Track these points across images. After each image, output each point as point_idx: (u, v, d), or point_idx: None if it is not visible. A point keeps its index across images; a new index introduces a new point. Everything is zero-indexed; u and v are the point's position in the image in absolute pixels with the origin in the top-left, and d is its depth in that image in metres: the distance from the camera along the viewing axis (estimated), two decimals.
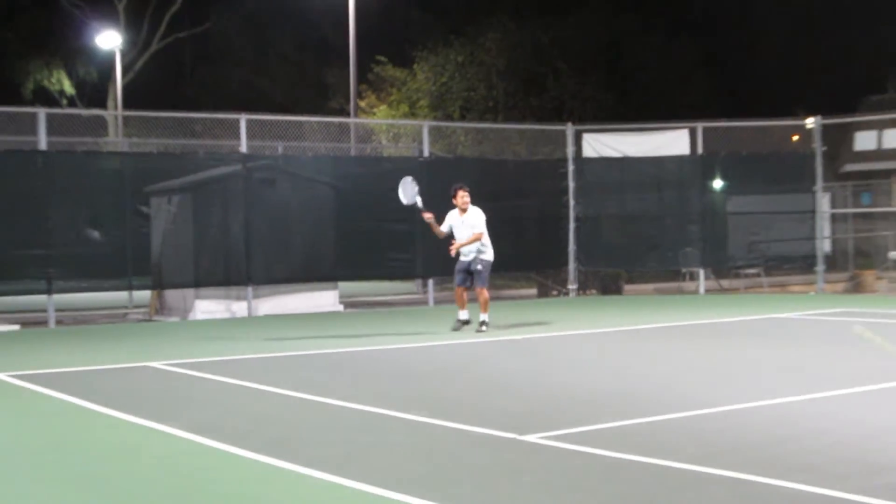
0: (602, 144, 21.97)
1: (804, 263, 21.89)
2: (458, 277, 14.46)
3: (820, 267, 21.33)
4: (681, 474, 6.04)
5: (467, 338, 13.70)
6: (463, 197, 14.28)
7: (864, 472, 6.05)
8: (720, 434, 7.19)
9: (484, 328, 14.17)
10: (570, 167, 21.62)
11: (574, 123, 22.81)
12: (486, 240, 14.27)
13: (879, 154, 39.34)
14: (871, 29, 41.21)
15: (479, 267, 14.21)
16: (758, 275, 22.77)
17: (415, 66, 34.14)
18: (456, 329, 14.29)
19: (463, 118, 32.32)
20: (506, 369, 11.07)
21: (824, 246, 21.74)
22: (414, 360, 11.99)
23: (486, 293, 14.32)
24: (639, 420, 7.70)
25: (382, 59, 34.90)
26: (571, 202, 21.46)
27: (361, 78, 32.95)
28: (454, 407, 8.44)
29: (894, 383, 9.23)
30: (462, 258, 14.34)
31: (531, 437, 7.07)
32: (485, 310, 14.28)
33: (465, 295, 14.42)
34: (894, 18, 40.10)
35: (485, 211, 14.45)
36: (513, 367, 11.30)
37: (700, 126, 21.66)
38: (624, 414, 7.93)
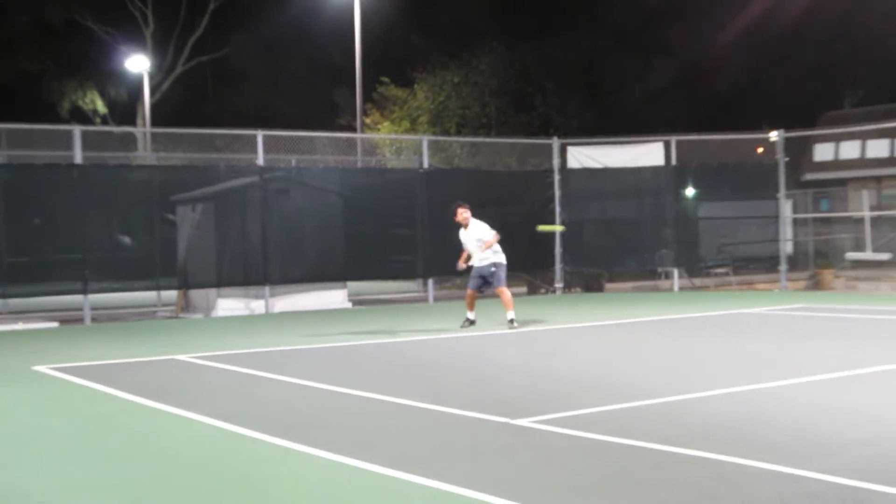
0: (584, 156, 22.00)
1: (768, 263, 21.92)
2: (473, 282, 14.14)
3: (783, 266, 21.35)
4: (658, 454, 6.05)
5: (464, 332, 13.70)
6: (462, 213, 14.06)
7: (823, 452, 6.06)
8: (693, 418, 7.20)
9: (515, 325, 13.87)
10: (556, 177, 21.64)
11: (559, 137, 22.82)
12: (497, 245, 14.07)
13: (836, 164, 39.38)
14: (829, 51, 41.22)
15: (494, 269, 14.02)
16: (727, 274, 22.78)
17: (415, 86, 34.13)
18: (463, 327, 14.05)
19: (459, 133, 32.30)
20: (498, 360, 11.07)
21: (787, 248, 21.76)
22: (415, 352, 11.99)
23: (507, 293, 14.05)
24: (619, 405, 7.71)
25: (386, 80, 34.88)
26: (557, 208, 21.47)
27: (367, 97, 32.95)
28: (452, 394, 8.44)
29: (850, 372, 9.24)
30: (477, 266, 14.07)
31: (522, 421, 7.07)
32: (510, 307, 13.99)
33: (476, 298, 14.30)
34: (849, 42, 40.08)
35: (479, 217, 14.38)
36: (505, 358, 11.30)
37: (673, 139, 21.70)
38: (606, 400, 7.94)
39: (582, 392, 8.49)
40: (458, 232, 14.26)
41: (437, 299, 20.09)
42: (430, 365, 10.84)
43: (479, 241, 13.98)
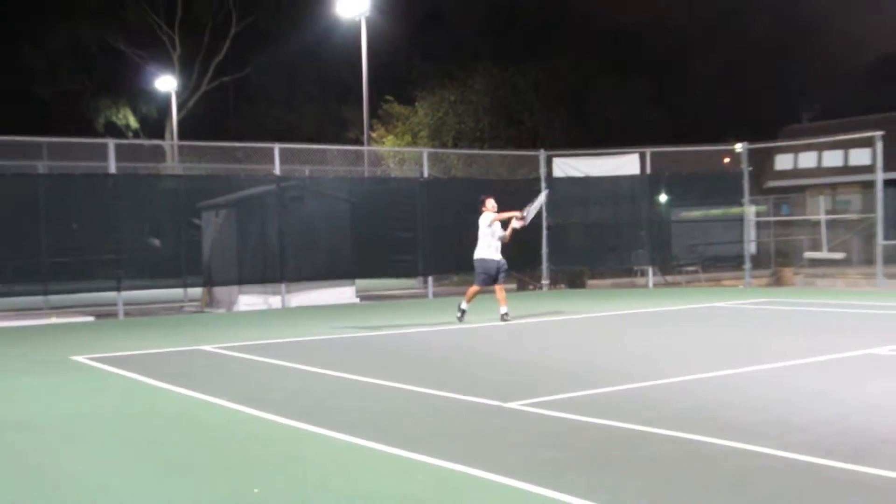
0: (568, 166, 21.99)
1: (734, 262, 21.92)
2: (484, 278, 13.77)
3: (747, 265, 21.35)
4: (637, 434, 6.04)
5: (460, 324, 13.67)
6: (490, 203, 14.00)
7: (785, 431, 6.06)
8: (669, 401, 7.19)
9: (507, 318, 13.72)
10: (543, 185, 21.62)
11: (546, 150, 22.81)
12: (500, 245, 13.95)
13: (795, 173, 39.37)
14: (787, 70, 41.22)
15: (507, 268, 13.99)
16: (696, 272, 22.77)
17: (416, 103, 34.09)
18: (462, 319, 13.82)
19: (456, 146, 32.26)
20: (492, 349, 11.04)
21: (750, 248, 21.77)
22: (417, 343, 11.97)
23: (503, 290, 13.94)
24: (602, 389, 7.70)
25: (390, 98, 34.84)
26: (544, 213, 21.43)
27: (373, 114, 32.93)
28: (451, 380, 8.42)
29: (810, 359, 9.25)
30: (495, 260, 13.80)
31: (513, 404, 7.06)
32: (504, 303, 13.85)
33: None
34: (802, 62, 40.03)
35: (474, 221, 14.28)
36: (498, 347, 11.27)
37: (648, 151, 21.71)
38: (589, 384, 7.93)
39: (567, 378, 8.47)
40: (480, 218, 13.95)
41: (436, 295, 20.07)
42: (430, 354, 10.82)
43: (501, 232, 13.83)
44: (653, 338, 11.99)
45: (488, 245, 13.82)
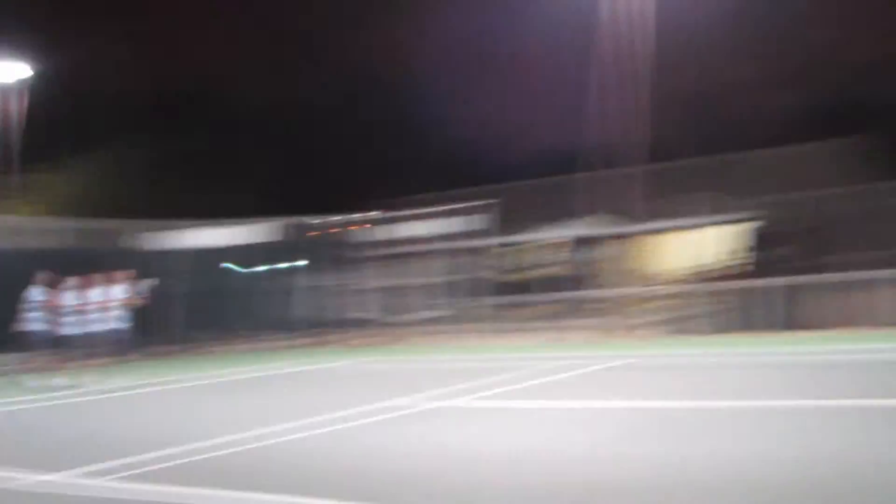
0: (190, 237, 21.29)
1: (346, 323, 21.87)
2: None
3: (355, 327, 21.53)
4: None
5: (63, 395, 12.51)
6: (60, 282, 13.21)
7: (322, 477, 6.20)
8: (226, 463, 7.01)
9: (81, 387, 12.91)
10: (173, 255, 20.63)
11: (178, 220, 21.88)
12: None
13: (400, 241, 40.39)
14: (395, 148, 41.40)
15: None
16: (316, 334, 22.40)
17: (59, 173, 31.74)
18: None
19: (99, 217, 30.07)
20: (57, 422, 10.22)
21: (360, 310, 22.11)
22: None
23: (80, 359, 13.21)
24: (148, 455, 7.39)
25: (30, 166, 31.88)
26: (171, 282, 20.24)
27: (10, 182, 30.02)
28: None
29: (382, 413, 9.28)
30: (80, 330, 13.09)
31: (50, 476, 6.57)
32: (75, 373, 13.05)
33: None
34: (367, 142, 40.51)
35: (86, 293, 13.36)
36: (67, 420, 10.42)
37: (277, 221, 21.64)
38: (137, 451, 7.52)
39: (122, 446, 7.94)
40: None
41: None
42: None
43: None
44: (225, 402, 11.54)
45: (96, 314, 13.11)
